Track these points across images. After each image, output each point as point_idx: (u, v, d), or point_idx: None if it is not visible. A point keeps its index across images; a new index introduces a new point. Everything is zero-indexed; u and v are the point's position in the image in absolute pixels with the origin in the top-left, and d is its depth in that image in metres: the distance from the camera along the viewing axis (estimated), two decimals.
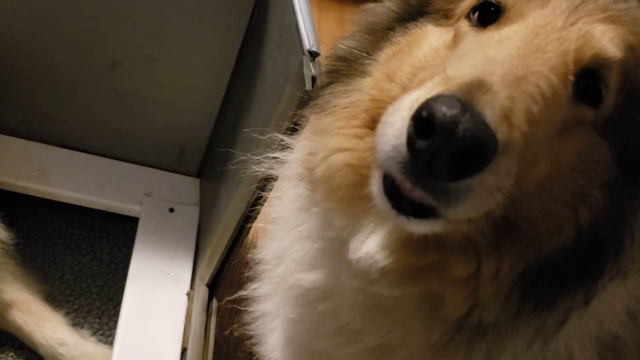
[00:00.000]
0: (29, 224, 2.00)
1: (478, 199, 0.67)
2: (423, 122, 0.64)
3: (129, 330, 1.72)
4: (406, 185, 0.69)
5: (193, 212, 2.02)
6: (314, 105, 0.91)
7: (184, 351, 1.69)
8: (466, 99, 0.63)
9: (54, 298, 1.89)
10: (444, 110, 0.62)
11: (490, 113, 0.63)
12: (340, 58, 0.89)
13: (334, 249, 0.88)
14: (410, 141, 0.66)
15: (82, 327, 1.86)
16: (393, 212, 0.73)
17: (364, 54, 0.86)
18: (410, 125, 0.66)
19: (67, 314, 1.87)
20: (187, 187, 2.09)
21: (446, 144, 0.62)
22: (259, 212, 1.33)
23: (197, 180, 2.12)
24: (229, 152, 1.74)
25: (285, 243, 1.01)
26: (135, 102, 1.92)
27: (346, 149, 0.82)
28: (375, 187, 0.75)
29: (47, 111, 1.94)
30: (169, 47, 1.77)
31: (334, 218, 0.84)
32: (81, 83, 1.87)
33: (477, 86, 0.65)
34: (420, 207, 0.70)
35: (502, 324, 0.85)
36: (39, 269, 1.94)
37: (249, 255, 1.23)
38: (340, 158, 0.82)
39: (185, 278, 1.84)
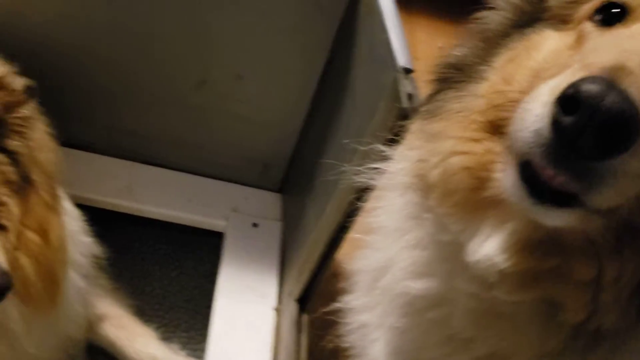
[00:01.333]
0: (117, 240, 2.02)
1: (622, 184, 0.66)
2: (568, 101, 0.65)
3: (219, 345, 1.75)
4: (547, 171, 0.69)
5: (276, 227, 2.03)
6: (424, 112, 0.91)
7: None
8: (610, 78, 0.64)
9: (143, 312, 1.92)
10: (590, 87, 0.63)
11: (636, 92, 0.64)
12: (451, 65, 0.90)
13: (448, 254, 0.88)
14: (554, 122, 0.66)
15: (170, 341, 1.89)
16: (529, 201, 0.73)
17: (478, 61, 0.86)
18: (554, 107, 0.66)
19: (156, 328, 1.90)
20: (270, 202, 2.11)
21: (592, 118, 0.63)
22: (354, 223, 1.33)
23: (279, 196, 2.14)
24: (315, 167, 1.75)
25: (391, 252, 1.01)
26: (221, 119, 1.96)
27: (462, 152, 0.82)
28: (509, 178, 0.75)
29: (135, 129, 1.99)
30: (255, 64, 1.80)
31: (450, 222, 0.84)
32: (168, 101, 1.92)
33: (619, 69, 0.65)
34: (560, 194, 0.69)
35: (620, 331, 0.83)
36: (128, 284, 1.97)
37: (342, 267, 1.23)
38: (456, 161, 0.82)
39: (271, 293, 1.86)
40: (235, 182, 2.12)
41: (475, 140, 0.82)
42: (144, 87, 1.89)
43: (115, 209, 2.00)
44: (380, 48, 1.33)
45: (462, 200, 0.83)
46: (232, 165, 2.09)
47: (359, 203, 1.27)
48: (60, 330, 1.59)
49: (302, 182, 1.92)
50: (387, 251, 1.03)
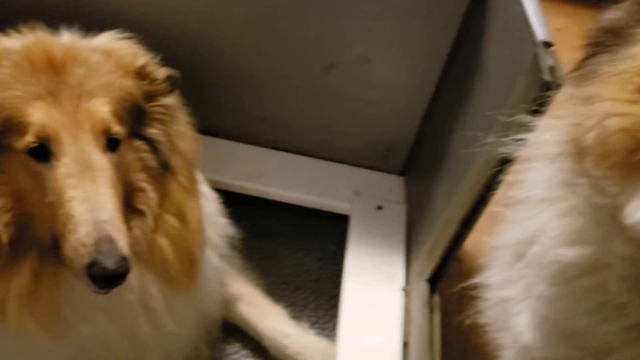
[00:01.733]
0: (246, 223, 2.10)
1: None
2: None
3: (349, 325, 1.78)
4: None
5: (400, 210, 2.05)
6: (576, 76, 0.91)
7: (405, 345, 1.71)
8: None
9: (272, 292, 1.98)
10: None
11: None
12: (604, 29, 0.89)
13: (604, 218, 0.87)
14: None
15: (299, 320, 1.93)
16: None
17: (633, 23, 0.85)
18: None
19: (285, 307, 1.96)
20: (393, 185, 2.13)
21: None
22: (492, 197, 1.33)
23: (402, 178, 2.16)
24: (441, 148, 1.76)
25: (539, 223, 1.01)
26: (346, 103, 1.99)
27: (619, 114, 0.82)
28: None
29: (264, 115, 2.06)
30: (382, 46, 1.82)
31: (607, 185, 0.83)
32: (297, 86, 1.97)
33: None
34: None
35: None
36: (256, 265, 2.04)
37: (479, 243, 1.23)
38: (613, 123, 0.82)
39: (398, 274, 1.88)
40: (359, 165, 2.15)
41: (633, 102, 0.81)
42: (273, 73, 1.95)
43: (245, 192, 2.07)
44: (516, 23, 1.32)
45: (619, 162, 0.82)
46: (356, 148, 2.12)
47: (498, 177, 1.27)
48: (198, 308, 1.66)
49: (427, 164, 1.92)
50: (533, 222, 1.03)
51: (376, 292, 1.84)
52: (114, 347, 1.49)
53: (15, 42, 1.37)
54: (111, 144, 1.31)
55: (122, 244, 1.23)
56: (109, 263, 1.19)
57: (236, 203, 1.82)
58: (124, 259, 1.21)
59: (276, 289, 2.03)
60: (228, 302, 1.88)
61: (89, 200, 1.23)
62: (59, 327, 1.39)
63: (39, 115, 1.26)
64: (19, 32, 1.39)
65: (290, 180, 2.10)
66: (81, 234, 1.21)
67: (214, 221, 1.69)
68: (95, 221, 1.21)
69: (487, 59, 1.52)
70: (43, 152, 1.27)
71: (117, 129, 1.31)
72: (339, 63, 1.88)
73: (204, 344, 1.75)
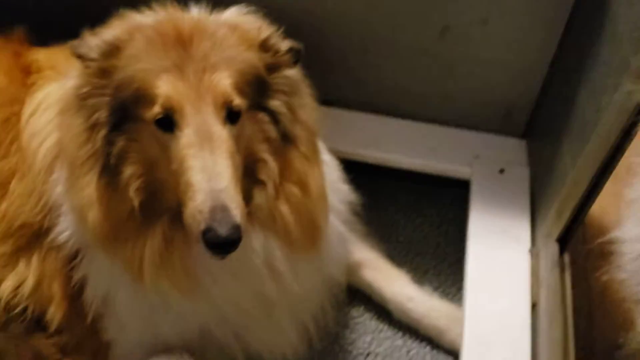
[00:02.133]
0: (364, 191, 2.12)
1: None
2: None
3: (475, 289, 1.77)
4: None
5: (523, 172, 2.01)
6: None
7: (533, 306, 1.70)
8: None
9: (392, 258, 2.00)
10: None
11: None
12: None
13: None
14: None
15: (422, 285, 1.94)
16: None
17: None
18: None
19: (406, 273, 1.97)
20: (514, 148, 2.09)
21: None
22: (625, 149, 1.29)
23: (524, 141, 2.11)
24: (567, 107, 1.71)
25: None
26: (464, 66, 1.97)
27: None
28: None
29: (380, 83, 2.06)
30: (501, 6, 1.78)
31: None
32: (412, 52, 1.96)
33: None
34: None
35: None
36: (375, 232, 2.05)
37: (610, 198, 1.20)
38: None
39: (524, 236, 1.85)
40: (478, 129, 2.12)
41: None
42: (387, 39, 1.95)
43: (362, 160, 2.08)
44: None
45: None
46: (474, 112, 2.10)
47: (633, 127, 1.23)
48: (323, 272, 1.69)
49: (550, 124, 1.88)
50: None
51: (502, 254, 1.82)
52: (245, 308, 1.55)
53: (147, 18, 1.44)
54: (231, 116, 1.36)
55: (236, 212, 1.27)
56: (222, 230, 1.25)
57: (354, 171, 1.84)
58: (236, 227, 1.26)
59: (396, 255, 2.04)
60: (351, 267, 1.90)
61: (206, 170, 1.29)
62: (192, 288, 1.47)
63: (165, 88, 1.32)
64: (151, 9, 1.45)
65: (408, 146, 2.09)
66: (198, 202, 1.28)
67: (335, 188, 1.71)
68: (211, 190, 1.27)
69: (615, 11, 1.46)
70: (168, 122, 1.33)
71: (238, 101, 1.36)
72: (454, 25, 1.86)
73: (329, 306, 1.79)
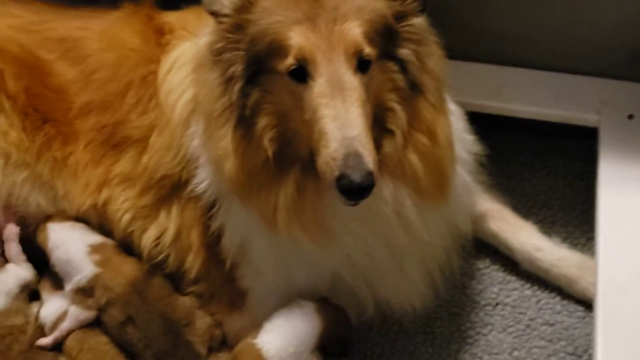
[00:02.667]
0: (487, 143, 2.10)
1: None
2: None
3: (609, 236, 1.73)
4: None
5: None
6: None
7: None
8: None
9: (517, 210, 1.97)
10: None
11: None
12: None
13: None
14: None
15: (549, 237, 1.91)
16: None
17: None
18: None
19: (533, 224, 1.94)
20: None
21: None
22: None
23: None
24: None
25: None
26: (586, 9, 1.91)
27: None
28: None
29: (503, 32, 2.03)
30: None
31: None
32: None
33: None
34: None
35: None
36: (499, 185, 2.03)
37: None
38: None
39: None
40: (604, 75, 2.05)
41: None
42: None
43: (485, 111, 2.05)
44: None
45: None
46: (599, 58, 2.03)
47: None
48: (450, 221, 1.70)
49: None
50: None
51: (634, 201, 1.77)
52: (375, 255, 1.58)
53: None
54: (362, 65, 1.37)
55: (369, 159, 1.30)
56: (356, 176, 1.28)
57: (476, 123, 1.82)
58: (369, 174, 1.29)
59: (522, 207, 2.01)
60: (477, 218, 1.89)
61: (339, 118, 1.32)
62: (324, 236, 1.51)
63: (298, 39, 1.36)
64: None
65: (531, 96, 2.05)
66: (332, 149, 1.31)
67: (461, 138, 1.70)
68: (344, 137, 1.30)
69: None
70: (301, 73, 1.37)
71: (368, 50, 1.37)
72: None
73: (456, 256, 1.79)
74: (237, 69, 1.42)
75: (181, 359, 1.58)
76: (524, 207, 2.03)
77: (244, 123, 1.44)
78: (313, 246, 1.51)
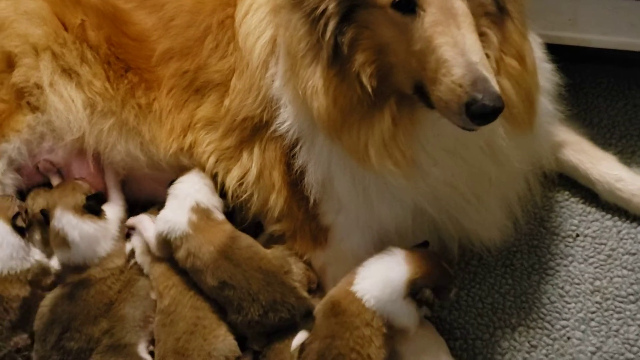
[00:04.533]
0: (561, 75, 2.07)
1: None
2: None
3: None
4: None
5: None
6: None
7: None
8: None
9: (595, 142, 1.95)
10: None
11: None
12: None
13: None
14: None
15: (629, 167, 1.89)
16: None
17: None
18: None
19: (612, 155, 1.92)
20: None
21: None
22: None
23: None
24: None
25: None
26: None
27: None
28: None
29: None
30: None
31: None
32: None
33: None
34: None
35: None
36: (576, 116, 2.00)
37: None
38: None
39: None
40: None
41: None
42: None
43: (559, 42, 2.01)
44: None
45: None
46: None
47: None
48: (533, 150, 1.69)
49: None
50: None
51: None
52: (460, 188, 1.59)
53: None
54: None
55: (494, 82, 1.31)
56: (488, 100, 1.28)
57: (551, 55, 1.79)
58: (498, 96, 1.30)
59: (600, 138, 2.00)
60: (556, 150, 1.88)
61: (458, 45, 1.32)
62: (413, 169, 1.53)
63: None
64: None
65: (607, 25, 2.01)
66: (457, 76, 1.31)
67: (540, 67, 1.68)
68: (468, 63, 1.30)
69: None
70: (406, 4, 1.35)
71: None
72: None
73: (536, 187, 1.78)
74: (330, 6, 1.40)
75: (291, 305, 1.60)
76: (603, 138, 2.02)
77: (338, 61, 1.44)
78: (402, 180, 1.52)
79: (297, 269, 1.69)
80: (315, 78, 1.46)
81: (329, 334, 1.52)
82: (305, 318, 1.59)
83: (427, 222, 1.66)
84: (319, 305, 1.60)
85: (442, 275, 1.59)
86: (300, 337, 1.56)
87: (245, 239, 1.71)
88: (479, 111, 1.29)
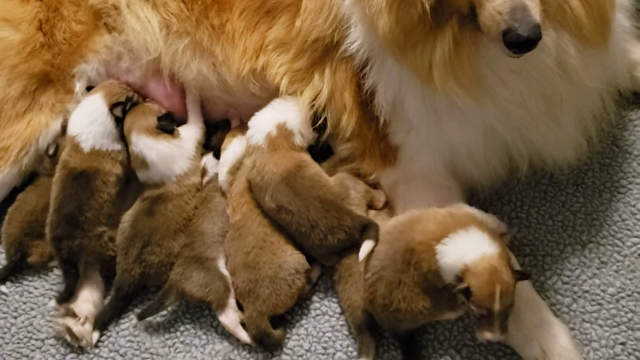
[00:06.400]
0: None
1: None
2: None
3: None
4: None
5: None
6: None
7: None
8: None
9: None
10: None
11: None
12: None
13: None
14: None
15: None
16: None
17: None
18: None
19: None
20: None
21: None
22: None
23: None
24: None
25: None
26: None
27: None
28: None
29: None
30: None
31: None
32: None
33: None
34: None
35: None
36: None
37: None
38: None
39: None
40: None
41: None
42: None
43: None
44: None
45: None
46: None
47: None
48: (608, 67, 1.65)
49: None
50: None
51: None
52: (531, 107, 1.57)
53: None
54: None
55: (535, 11, 1.30)
56: (523, 30, 1.29)
57: None
58: (536, 26, 1.29)
59: None
60: (631, 67, 1.84)
61: None
62: (480, 90, 1.52)
63: None
64: None
65: None
66: (497, 2, 1.31)
67: None
68: None
69: None
70: None
71: None
72: None
73: (610, 106, 1.75)
74: None
75: (348, 227, 1.65)
76: None
77: None
78: (468, 100, 1.52)
79: (355, 192, 1.73)
80: None
81: (395, 280, 1.56)
82: (366, 230, 1.63)
83: (498, 142, 1.66)
84: (393, 225, 1.64)
85: None
86: (366, 247, 1.60)
87: (312, 168, 1.75)
88: (514, 40, 1.30)
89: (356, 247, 1.63)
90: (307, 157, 1.78)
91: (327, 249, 1.68)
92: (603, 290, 1.67)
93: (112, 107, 1.86)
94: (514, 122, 1.61)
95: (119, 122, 1.87)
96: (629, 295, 1.65)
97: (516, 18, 1.29)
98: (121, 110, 1.87)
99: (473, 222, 1.55)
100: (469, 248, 1.50)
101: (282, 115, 1.79)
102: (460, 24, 1.46)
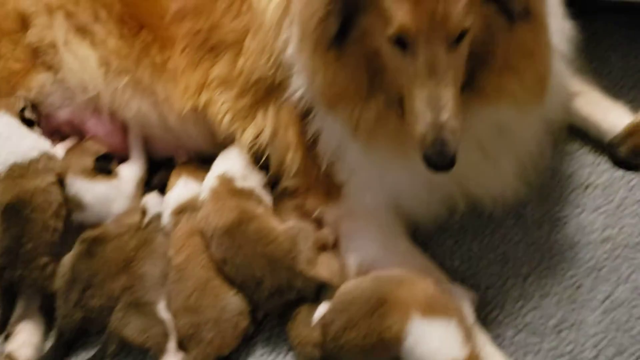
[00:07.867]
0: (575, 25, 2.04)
1: None
2: None
3: None
4: None
5: None
6: None
7: None
8: None
9: (607, 92, 1.95)
10: None
11: None
12: None
13: None
14: None
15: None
16: None
17: None
18: None
19: (622, 105, 1.91)
20: None
21: None
22: None
23: None
24: None
25: None
26: None
27: None
28: None
29: None
30: None
31: None
32: None
33: None
34: None
35: None
36: (587, 67, 1.98)
37: None
38: None
39: None
40: None
41: None
42: None
43: None
44: None
45: None
46: None
47: None
48: (545, 116, 1.71)
49: None
50: None
51: None
52: (468, 160, 1.57)
53: None
54: (460, 36, 1.38)
55: (454, 144, 1.38)
56: (438, 161, 1.39)
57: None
58: (451, 158, 1.39)
59: (612, 89, 1.98)
60: (565, 99, 1.87)
61: (431, 101, 1.37)
62: (405, 152, 1.54)
63: (402, 16, 1.33)
64: None
65: None
66: (420, 131, 1.39)
67: (559, 26, 1.67)
68: (434, 122, 1.37)
69: None
70: (402, 42, 1.37)
71: (469, 23, 1.37)
72: None
73: (547, 145, 1.81)
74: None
75: (299, 289, 1.63)
76: (614, 89, 2.00)
77: (338, 45, 1.45)
78: (399, 157, 1.57)
79: (304, 246, 1.68)
80: (318, 55, 1.47)
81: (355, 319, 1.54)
82: (322, 291, 1.63)
83: (437, 187, 1.69)
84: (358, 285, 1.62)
85: None
86: (323, 309, 1.59)
87: (259, 222, 1.71)
88: (430, 164, 1.40)
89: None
90: (253, 207, 1.76)
91: (274, 307, 1.67)
92: (544, 322, 1.69)
93: (21, 113, 1.83)
94: (452, 173, 1.63)
95: (33, 124, 1.86)
96: (570, 326, 1.68)
97: (435, 149, 1.38)
98: (30, 112, 1.86)
99: (457, 315, 1.55)
100: (440, 348, 1.50)
101: (221, 167, 1.79)
102: (387, 103, 1.52)
